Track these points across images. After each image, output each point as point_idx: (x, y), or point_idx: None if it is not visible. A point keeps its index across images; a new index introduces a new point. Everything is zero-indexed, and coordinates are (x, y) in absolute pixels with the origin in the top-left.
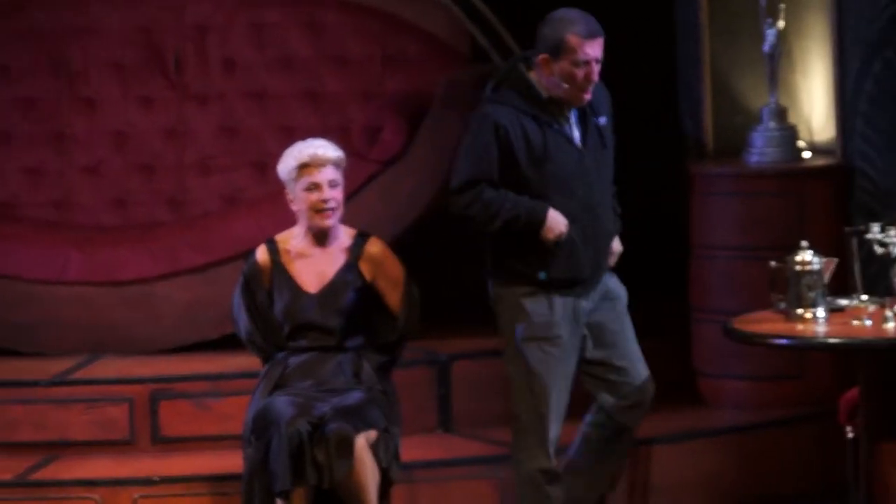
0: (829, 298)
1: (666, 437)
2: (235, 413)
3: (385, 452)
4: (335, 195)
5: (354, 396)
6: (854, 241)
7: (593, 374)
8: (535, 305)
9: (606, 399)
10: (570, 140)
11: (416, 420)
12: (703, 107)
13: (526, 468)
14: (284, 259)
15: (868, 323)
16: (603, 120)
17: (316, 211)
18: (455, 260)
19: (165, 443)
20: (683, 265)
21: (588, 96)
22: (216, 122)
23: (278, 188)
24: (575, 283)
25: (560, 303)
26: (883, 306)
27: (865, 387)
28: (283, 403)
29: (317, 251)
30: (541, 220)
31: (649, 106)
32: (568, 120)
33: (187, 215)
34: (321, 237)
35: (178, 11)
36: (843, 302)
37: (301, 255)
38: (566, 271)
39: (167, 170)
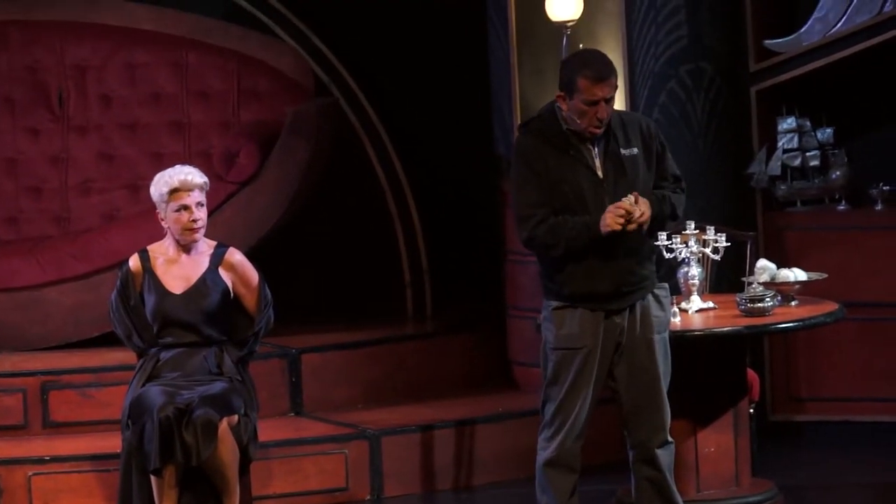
0: None
1: (486, 417)
2: (114, 401)
3: (244, 434)
4: (201, 215)
5: (217, 386)
6: None
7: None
8: (563, 318)
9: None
10: (587, 165)
11: (271, 405)
12: (514, 132)
13: (539, 459)
14: (154, 265)
15: None
16: (633, 150)
17: (186, 229)
18: (303, 266)
19: (54, 427)
20: (499, 269)
21: (598, 130)
22: (95, 149)
23: (149, 206)
24: (596, 298)
25: (586, 316)
26: (671, 303)
27: None
28: (155, 393)
29: (183, 259)
30: (596, 230)
31: (468, 133)
32: (589, 148)
33: (71, 230)
34: (187, 247)
35: (60, 54)
36: None
37: (169, 263)
38: (584, 286)
39: (53, 191)
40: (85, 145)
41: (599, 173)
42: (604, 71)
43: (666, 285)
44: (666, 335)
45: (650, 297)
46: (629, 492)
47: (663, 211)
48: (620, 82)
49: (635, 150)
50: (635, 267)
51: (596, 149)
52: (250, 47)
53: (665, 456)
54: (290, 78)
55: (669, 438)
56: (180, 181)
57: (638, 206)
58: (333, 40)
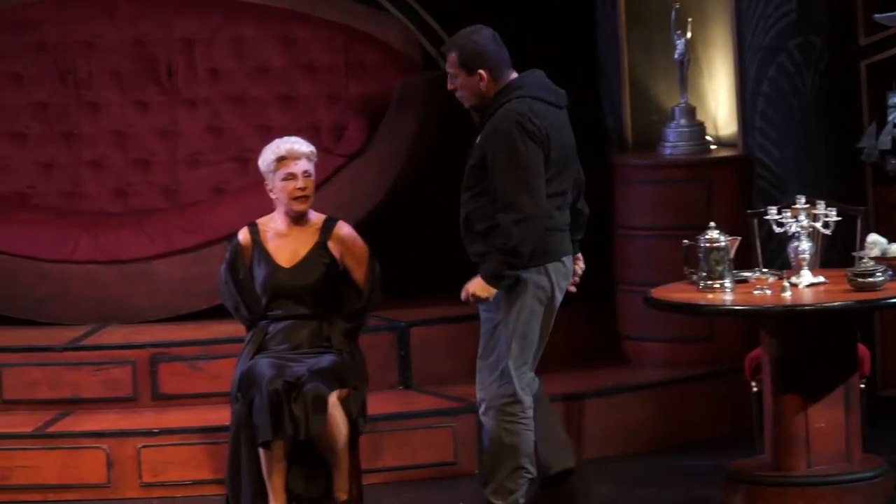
0: (734, 271)
1: (596, 391)
2: (224, 373)
3: (354, 407)
4: (308, 184)
5: (326, 359)
6: (755, 222)
7: None
8: None
9: None
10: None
11: (380, 378)
12: (623, 107)
13: None
14: (263, 239)
15: (768, 292)
16: (477, 140)
17: (293, 198)
18: (411, 240)
19: (164, 399)
20: (608, 243)
21: (464, 103)
22: (203, 122)
23: (258, 179)
24: None
25: None
26: (780, 278)
27: (767, 347)
28: (264, 365)
29: (292, 232)
30: None
31: (576, 107)
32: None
33: (180, 203)
34: (296, 220)
35: (168, 27)
36: (746, 274)
37: (278, 236)
38: None
39: (161, 164)
40: (193, 118)
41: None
42: (444, 45)
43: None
44: (489, 315)
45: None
46: (741, 467)
47: (497, 268)
48: (729, 56)
49: (477, 140)
50: (466, 244)
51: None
52: (357, 20)
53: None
54: (398, 51)
55: (483, 418)
56: (287, 149)
57: (467, 292)
58: (441, 13)
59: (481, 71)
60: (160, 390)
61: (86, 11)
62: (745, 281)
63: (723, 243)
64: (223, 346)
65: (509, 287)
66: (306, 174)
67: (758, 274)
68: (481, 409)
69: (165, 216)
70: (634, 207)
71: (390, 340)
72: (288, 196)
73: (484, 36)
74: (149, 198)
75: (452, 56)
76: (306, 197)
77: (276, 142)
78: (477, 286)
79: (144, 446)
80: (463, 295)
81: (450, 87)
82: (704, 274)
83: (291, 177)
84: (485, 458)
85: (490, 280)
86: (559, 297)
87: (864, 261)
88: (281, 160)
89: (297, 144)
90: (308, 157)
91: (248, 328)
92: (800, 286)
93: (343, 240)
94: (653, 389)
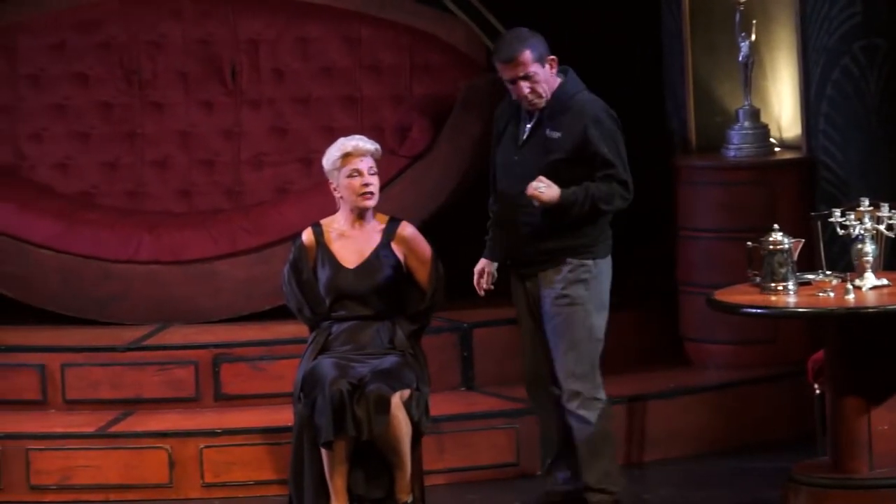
0: (797, 273)
1: (658, 393)
2: (286, 374)
3: (416, 408)
4: (374, 180)
5: (390, 360)
6: (818, 224)
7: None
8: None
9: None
10: (514, 137)
11: (443, 379)
12: (687, 109)
13: None
14: (327, 239)
15: (831, 294)
16: (556, 133)
17: (359, 195)
18: (474, 241)
19: (226, 400)
20: (671, 245)
21: (531, 105)
22: (268, 123)
23: (321, 180)
24: (511, 261)
25: (514, 275)
26: (844, 280)
27: (830, 349)
28: (327, 366)
29: (355, 233)
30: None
31: (640, 109)
32: (526, 121)
33: (243, 204)
34: (360, 221)
35: (233, 28)
36: (810, 276)
37: (342, 237)
38: (498, 243)
39: (225, 165)
40: (258, 119)
41: (518, 148)
42: (505, 52)
43: (587, 262)
44: (571, 309)
45: (560, 269)
46: (804, 469)
47: (577, 199)
48: (793, 59)
49: (557, 134)
50: (534, 241)
51: (529, 125)
52: (422, 22)
53: (573, 420)
54: (463, 52)
55: (580, 412)
56: (353, 146)
57: (537, 188)
58: (505, 14)
59: (550, 57)
60: (223, 391)
61: (151, 11)
62: (808, 283)
63: (786, 245)
64: (286, 346)
65: (593, 278)
66: (372, 171)
67: (821, 276)
68: (575, 404)
69: (229, 217)
70: (698, 209)
71: (453, 341)
72: (354, 193)
73: (528, 30)
74: (212, 198)
75: (526, 54)
76: (372, 193)
77: (341, 140)
78: (552, 196)
79: (207, 447)
80: (530, 190)
81: (526, 91)
82: (768, 276)
83: (357, 173)
84: (582, 449)
85: (564, 203)
86: None
87: None
88: (346, 156)
89: (362, 142)
90: (373, 155)
91: (311, 329)
92: (863, 289)
93: (407, 240)
94: (716, 391)
